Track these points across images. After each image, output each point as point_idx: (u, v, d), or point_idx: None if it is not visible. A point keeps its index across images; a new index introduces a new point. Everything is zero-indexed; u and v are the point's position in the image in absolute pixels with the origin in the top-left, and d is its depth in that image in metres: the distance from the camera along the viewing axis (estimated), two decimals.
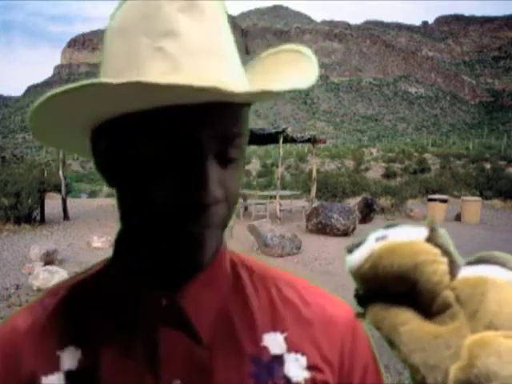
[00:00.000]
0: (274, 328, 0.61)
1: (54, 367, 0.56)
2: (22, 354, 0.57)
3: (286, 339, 0.61)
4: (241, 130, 0.55)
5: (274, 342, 0.60)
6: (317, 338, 0.63)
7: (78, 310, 0.60)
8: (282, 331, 0.61)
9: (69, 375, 0.55)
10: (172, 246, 0.54)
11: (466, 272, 0.47)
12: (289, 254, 9.97)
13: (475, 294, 0.45)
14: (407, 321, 0.47)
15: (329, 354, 0.62)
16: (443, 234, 0.49)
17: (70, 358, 0.56)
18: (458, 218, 15.80)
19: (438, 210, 15.47)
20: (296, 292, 0.66)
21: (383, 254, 0.49)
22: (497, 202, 20.37)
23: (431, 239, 0.48)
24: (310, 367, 0.60)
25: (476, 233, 13.29)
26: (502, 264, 0.47)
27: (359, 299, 0.52)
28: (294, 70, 0.55)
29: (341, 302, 0.69)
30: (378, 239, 0.50)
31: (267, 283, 0.66)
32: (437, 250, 0.48)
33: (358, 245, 0.51)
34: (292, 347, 0.61)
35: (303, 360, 0.60)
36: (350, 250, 0.52)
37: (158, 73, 0.50)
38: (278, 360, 0.60)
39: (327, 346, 0.63)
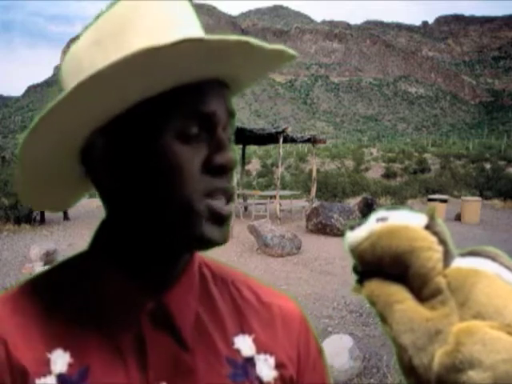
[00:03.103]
0: (242, 330, 0.64)
1: (45, 370, 0.55)
2: (11, 349, 0.55)
3: (254, 341, 0.64)
4: (235, 111, 0.60)
5: (244, 345, 0.63)
6: (279, 337, 0.66)
7: (59, 309, 0.58)
8: (250, 333, 0.64)
9: (60, 378, 0.55)
10: (199, 217, 0.55)
11: (459, 262, 0.49)
12: (289, 253, 9.97)
13: (466, 283, 0.47)
14: (402, 300, 0.49)
15: (290, 350, 0.66)
16: (441, 223, 0.51)
17: (60, 361, 0.55)
18: (458, 217, 15.79)
19: (438, 210, 15.47)
20: (253, 293, 0.69)
21: (382, 235, 0.50)
22: (497, 202, 20.35)
23: (430, 227, 0.50)
24: (277, 366, 0.64)
25: (476, 233, 13.29)
26: (493, 258, 0.49)
27: (357, 275, 0.54)
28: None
29: (289, 297, 0.73)
30: (378, 220, 0.52)
31: (227, 284, 0.68)
32: (434, 238, 0.49)
33: (359, 223, 0.53)
34: (260, 348, 0.64)
35: (271, 360, 0.64)
36: (352, 227, 0.54)
37: None
38: (250, 362, 0.62)
39: (288, 342, 0.66)
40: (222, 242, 0.57)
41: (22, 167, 0.58)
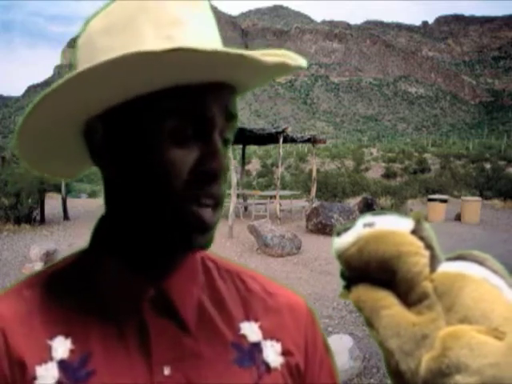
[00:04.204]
0: (248, 318, 0.65)
1: (46, 357, 0.55)
2: (9, 339, 0.56)
3: (261, 327, 0.65)
4: (237, 114, 0.59)
5: (250, 331, 0.64)
6: (285, 325, 0.67)
7: (61, 299, 0.60)
8: (256, 320, 0.65)
9: (62, 364, 0.55)
10: (184, 222, 0.56)
11: (446, 267, 0.49)
12: (289, 253, 9.97)
13: (453, 288, 0.47)
14: (389, 305, 0.49)
15: (297, 339, 0.67)
16: (428, 227, 0.51)
17: (60, 348, 0.56)
18: (458, 217, 15.78)
19: (438, 210, 15.47)
20: (258, 284, 0.70)
21: (369, 240, 0.50)
22: (497, 202, 20.33)
23: (416, 231, 0.50)
24: (284, 352, 0.64)
25: (476, 233, 13.29)
26: (480, 262, 0.49)
27: (344, 280, 0.54)
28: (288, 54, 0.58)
29: (296, 294, 0.73)
30: (365, 225, 0.52)
31: (232, 276, 0.69)
32: (420, 243, 0.49)
33: (346, 229, 0.53)
34: (267, 335, 0.64)
35: (278, 346, 0.64)
36: (339, 233, 0.54)
37: None
38: (257, 347, 0.63)
39: (295, 331, 0.67)
40: (204, 248, 0.58)
41: (24, 135, 0.58)
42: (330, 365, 0.70)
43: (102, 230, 0.63)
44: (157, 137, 0.55)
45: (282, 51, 0.56)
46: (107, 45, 0.55)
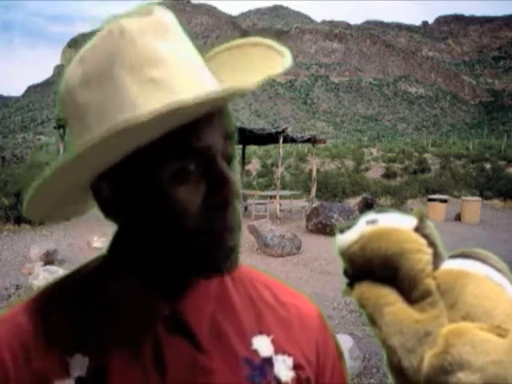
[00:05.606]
0: (261, 331, 0.65)
1: (64, 372, 0.57)
2: (30, 352, 0.57)
3: (273, 342, 0.64)
4: (234, 127, 0.59)
5: (262, 346, 0.64)
6: (297, 338, 0.67)
7: (79, 313, 0.60)
8: (268, 334, 0.65)
9: (79, 381, 0.56)
10: (208, 257, 0.56)
11: (449, 264, 0.49)
12: (289, 253, 9.97)
13: (456, 285, 0.47)
14: (392, 302, 0.49)
15: (308, 352, 0.66)
16: (431, 225, 0.51)
17: (78, 365, 0.57)
18: (458, 217, 15.78)
19: (438, 210, 15.47)
20: (271, 292, 0.69)
21: (372, 237, 0.50)
22: (497, 202, 20.33)
23: (419, 229, 0.50)
24: (295, 367, 0.64)
25: (476, 233, 13.29)
26: (483, 260, 0.49)
27: (347, 278, 0.54)
28: (268, 62, 0.57)
29: (308, 299, 0.73)
30: (368, 222, 0.52)
31: (246, 284, 0.68)
32: (423, 241, 0.49)
33: (349, 226, 0.54)
34: (278, 349, 0.64)
35: (289, 361, 0.64)
36: (342, 231, 0.54)
37: (158, 102, 0.49)
38: (268, 362, 0.63)
39: (306, 344, 0.67)
40: (229, 271, 0.58)
41: (32, 205, 0.58)
42: (341, 370, 0.70)
43: (118, 246, 0.63)
44: (161, 181, 0.54)
45: (268, 43, 0.55)
46: (89, 99, 0.54)
